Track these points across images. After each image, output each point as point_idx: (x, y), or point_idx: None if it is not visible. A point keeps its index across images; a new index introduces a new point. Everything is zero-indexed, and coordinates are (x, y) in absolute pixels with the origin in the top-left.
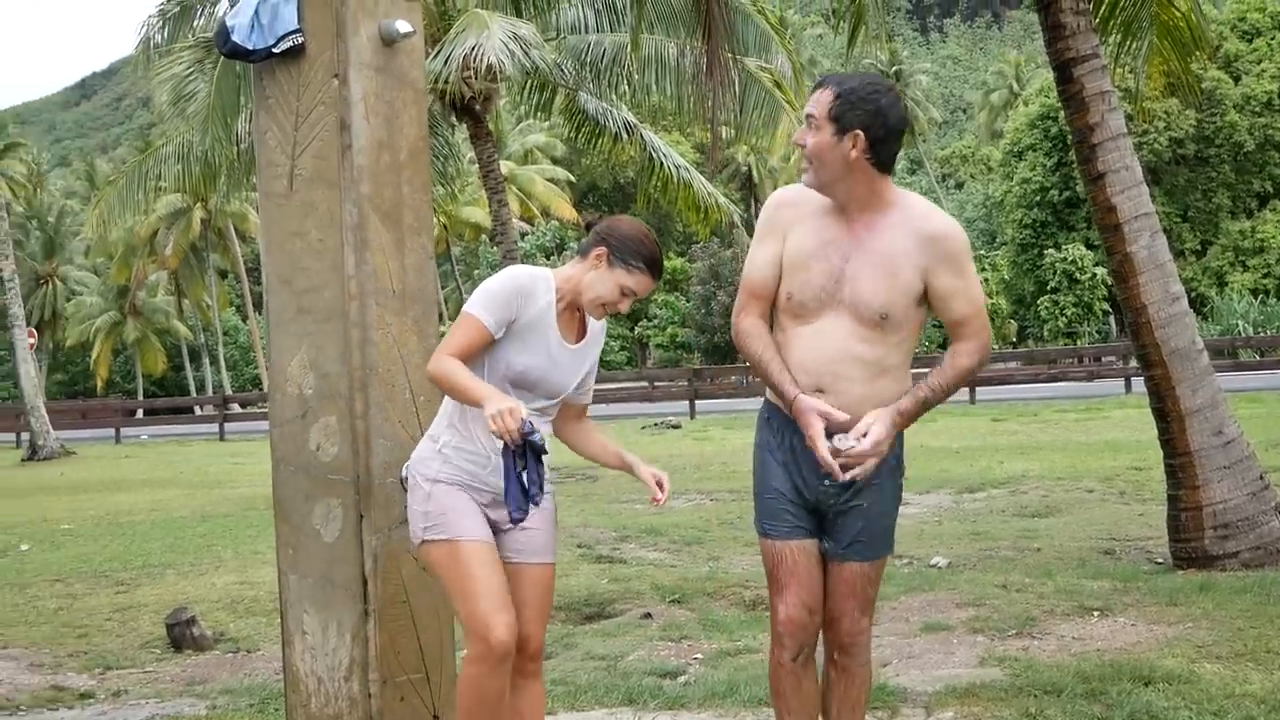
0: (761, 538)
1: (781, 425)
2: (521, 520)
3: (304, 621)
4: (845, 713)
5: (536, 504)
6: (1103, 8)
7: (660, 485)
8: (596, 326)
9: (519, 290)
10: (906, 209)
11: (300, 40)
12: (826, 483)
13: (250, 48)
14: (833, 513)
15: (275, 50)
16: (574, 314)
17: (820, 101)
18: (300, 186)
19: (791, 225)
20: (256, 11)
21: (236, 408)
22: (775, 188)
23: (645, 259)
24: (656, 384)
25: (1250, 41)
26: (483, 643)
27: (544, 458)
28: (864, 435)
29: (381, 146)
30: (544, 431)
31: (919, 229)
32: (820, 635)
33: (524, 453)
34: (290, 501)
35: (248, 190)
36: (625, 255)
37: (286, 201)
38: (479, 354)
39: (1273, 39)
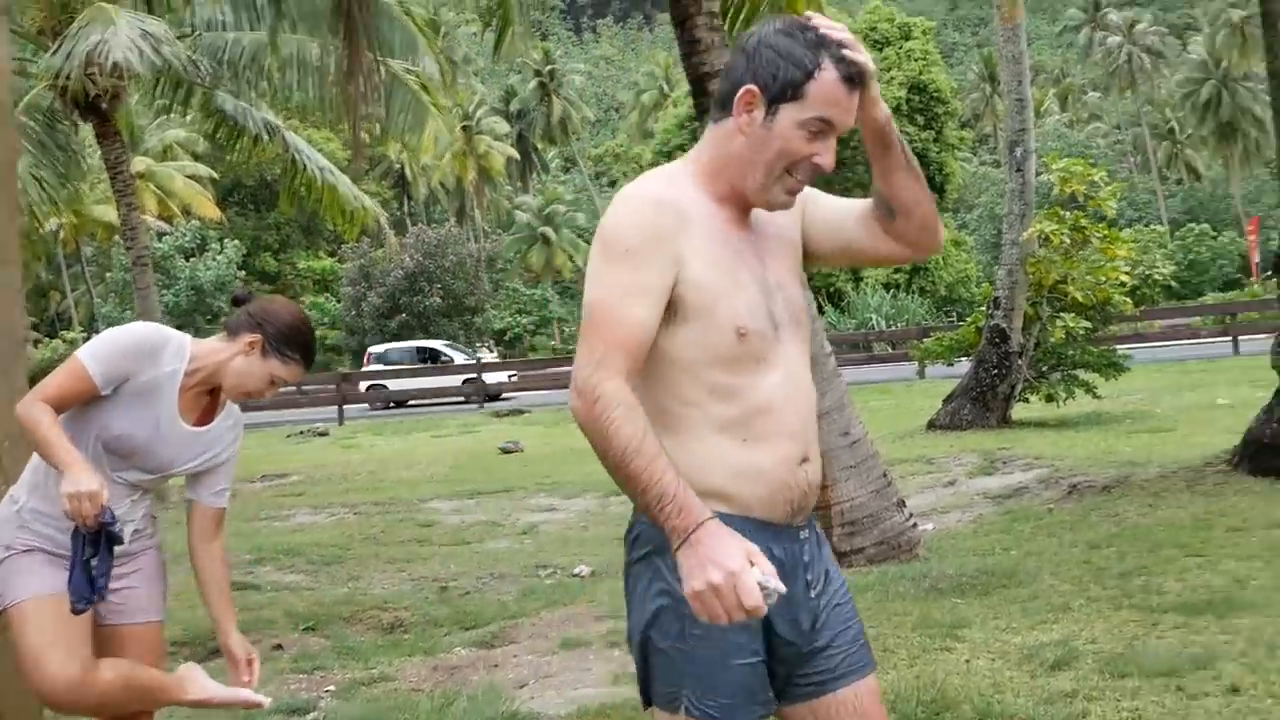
0: None
1: None
2: (83, 611)
3: None
4: None
5: (102, 598)
6: (738, 25)
7: (250, 664)
8: (230, 419)
9: (140, 349)
10: None
11: None
12: (813, 595)
13: None
14: (810, 636)
15: None
16: (204, 394)
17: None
18: None
19: (688, 233)
20: None
21: None
22: (430, 186)
23: (301, 349)
24: (304, 388)
25: (881, 50)
26: (38, 693)
27: (117, 548)
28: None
29: None
30: (138, 513)
31: None
32: None
33: (97, 539)
34: None
35: None
36: (280, 345)
37: None
38: (79, 405)
39: (900, 48)
